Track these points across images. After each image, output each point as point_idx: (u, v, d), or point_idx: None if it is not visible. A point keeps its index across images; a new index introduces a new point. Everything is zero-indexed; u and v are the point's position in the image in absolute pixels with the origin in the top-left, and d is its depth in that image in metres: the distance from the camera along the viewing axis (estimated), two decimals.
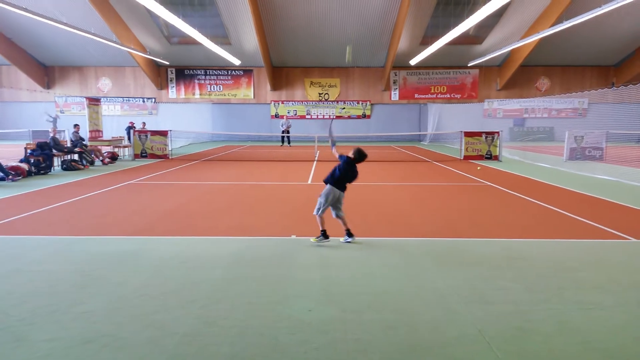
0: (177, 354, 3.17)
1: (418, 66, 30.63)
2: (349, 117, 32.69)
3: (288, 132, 26.71)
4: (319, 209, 5.87)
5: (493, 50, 26.72)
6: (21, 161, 12.92)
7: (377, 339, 3.38)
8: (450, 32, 19.39)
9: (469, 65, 28.99)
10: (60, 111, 32.41)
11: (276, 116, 32.64)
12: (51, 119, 29.99)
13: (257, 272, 4.81)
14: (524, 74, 31.33)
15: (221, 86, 32.48)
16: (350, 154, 5.93)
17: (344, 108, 32.64)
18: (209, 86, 32.48)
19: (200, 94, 32.53)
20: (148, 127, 20.31)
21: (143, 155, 17.88)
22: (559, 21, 22.00)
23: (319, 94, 32.53)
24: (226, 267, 4.97)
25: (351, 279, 4.64)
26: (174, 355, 3.15)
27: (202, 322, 3.63)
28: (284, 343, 3.32)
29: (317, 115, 32.66)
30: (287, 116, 30.11)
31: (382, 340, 3.37)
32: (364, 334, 3.45)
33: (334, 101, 32.58)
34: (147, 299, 4.11)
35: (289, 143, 26.91)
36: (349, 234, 5.94)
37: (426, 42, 26.65)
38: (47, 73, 32.29)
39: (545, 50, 28.67)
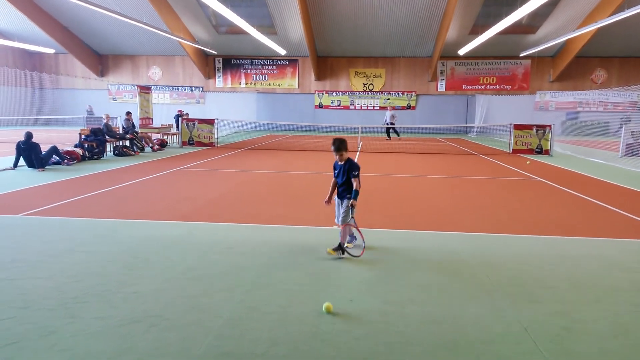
0: (221, 336, 3.24)
1: (467, 56, 29.87)
2: (394, 108, 32.27)
3: (393, 123, 24.70)
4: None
5: (547, 40, 25.70)
6: (76, 146, 13.48)
7: (419, 332, 3.34)
8: (502, 21, 18.77)
9: (520, 55, 28.03)
10: (113, 98, 33.60)
11: (320, 106, 32.66)
12: (89, 111, 31.14)
13: (299, 261, 4.84)
14: (579, 66, 29.99)
15: (266, 76, 32.76)
16: (340, 154, 5.10)
17: (388, 99, 32.29)
18: (254, 76, 32.82)
19: (246, 84, 32.94)
20: (195, 116, 20.83)
21: (190, 142, 18.31)
22: (620, 9, 20.93)
23: (364, 84, 32.28)
24: (269, 254, 5.03)
25: (393, 271, 4.59)
26: (217, 337, 3.22)
27: (245, 307, 3.70)
28: (324, 332, 3.33)
29: (361, 106, 32.45)
30: (392, 107, 29.38)
31: (423, 333, 3.33)
32: (405, 327, 3.42)
33: (379, 92, 32.27)
34: (193, 282, 4.22)
35: (397, 134, 25.16)
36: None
37: (476, 31, 25.91)
38: (101, 61, 33.50)
39: (603, 41, 27.30)
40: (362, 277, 4.42)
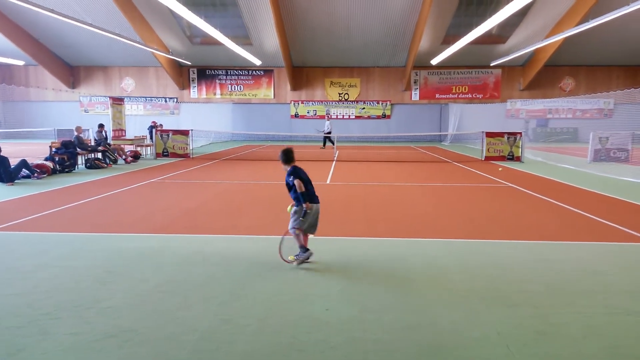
0: (196, 350, 3.19)
1: (439, 66, 30.35)
2: (369, 118, 32.57)
3: (330, 132, 24.42)
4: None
5: (516, 49, 26.33)
6: (46, 159, 13.19)
7: (397, 340, 3.36)
8: (473, 31, 19.17)
9: (491, 64, 28.63)
10: (85, 110, 33.04)
11: (296, 116, 32.73)
12: None
13: (275, 271, 4.82)
14: (548, 74, 30.79)
15: (242, 86, 32.69)
16: (287, 166, 5.16)
17: (363, 108, 32.54)
18: (230, 86, 32.72)
19: (221, 94, 32.79)
20: (170, 127, 20.67)
21: (165, 154, 18.10)
22: (584, 20, 21.58)
23: (339, 94, 32.49)
24: (245, 265, 5.00)
25: (370, 279, 4.61)
26: (193, 351, 3.18)
27: (221, 319, 3.66)
28: (301, 341, 3.32)
29: (337, 116, 32.62)
30: (329, 116, 28.97)
31: (401, 340, 3.35)
32: (383, 334, 3.43)
33: (354, 101, 32.51)
34: (169, 295, 4.15)
35: (332, 143, 24.27)
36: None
37: (448, 41, 26.39)
38: (73, 73, 32.93)
39: (571, 50, 28.14)
40: (340, 285, 4.43)
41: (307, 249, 5.05)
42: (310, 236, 5.24)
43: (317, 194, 5.15)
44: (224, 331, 3.47)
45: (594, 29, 18.93)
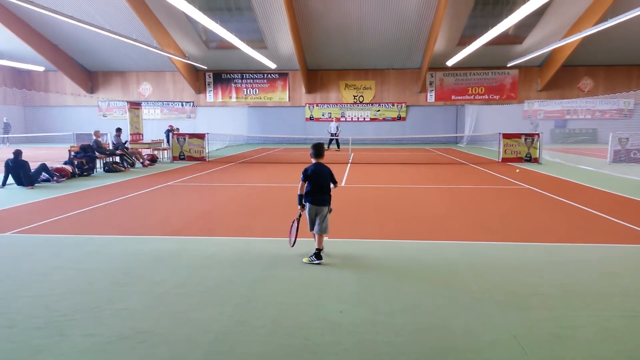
0: (211, 351, 3.22)
1: (455, 67, 30.17)
2: (384, 120, 32.48)
3: (337, 134, 24.77)
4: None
5: (533, 50, 26.05)
6: (65, 163, 13.41)
7: (409, 342, 3.34)
8: (489, 32, 19.02)
9: (508, 65, 28.33)
10: (103, 115, 33.54)
11: (311, 119, 32.79)
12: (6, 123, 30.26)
13: (290, 273, 4.84)
14: (566, 74, 30.37)
15: (257, 89, 32.87)
16: (314, 160, 5.53)
17: (378, 110, 32.47)
18: (245, 90, 32.92)
19: (237, 98, 33.01)
20: (186, 131, 20.84)
21: (181, 157, 18.28)
22: (603, 19, 21.29)
23: (354, 96, 32.47)
24: (260, 267, 5.02)
25: (384, 281, 4.60)
26: (207, 352, 3.20)
27: (235, 321, 3.68)
28: (314, 344, 3.33)
29: (352, 118, 32.61)
30: (337, 118, 28.91)
31: (414, 343, 3.33)
32: (395, 337, 3.42)
33: (369, 103, 32.46)
34: (184, 297, 4.20)
35: (337, 147, 24.98)
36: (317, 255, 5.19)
37: (464, 42, 26.21)
38: (91, 78, 33.47)
39: (589, 50, 27.73)
40: (353, 288, 4.42)
41: (318, 251, 5.23)
42: (325, 238, 5.28)
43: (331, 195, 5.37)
44: (238, 332, 3.49)
45: (613, 28, 18.61)
